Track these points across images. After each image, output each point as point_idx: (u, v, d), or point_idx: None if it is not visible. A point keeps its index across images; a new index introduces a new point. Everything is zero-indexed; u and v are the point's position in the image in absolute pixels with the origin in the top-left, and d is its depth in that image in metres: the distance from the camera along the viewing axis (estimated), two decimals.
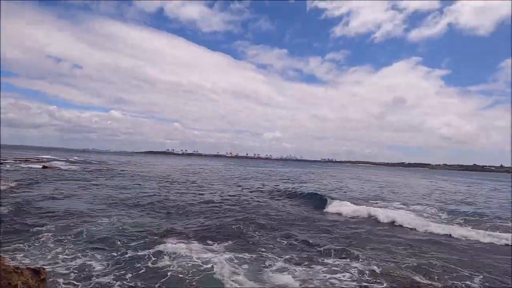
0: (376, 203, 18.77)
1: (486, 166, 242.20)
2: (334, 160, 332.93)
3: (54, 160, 51.44)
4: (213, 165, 74.68)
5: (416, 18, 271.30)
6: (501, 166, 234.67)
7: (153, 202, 15.63)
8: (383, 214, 14.63)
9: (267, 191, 23.33)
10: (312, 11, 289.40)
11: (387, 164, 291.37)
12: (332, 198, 18.60)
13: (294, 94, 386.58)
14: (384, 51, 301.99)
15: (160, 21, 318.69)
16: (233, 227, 11.00)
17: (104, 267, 6.91)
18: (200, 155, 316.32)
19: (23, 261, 6.83)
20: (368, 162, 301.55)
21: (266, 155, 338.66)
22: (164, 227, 10.53)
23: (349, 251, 8.88)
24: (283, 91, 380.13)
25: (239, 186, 26.44)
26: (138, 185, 22.85)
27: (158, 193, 19.14)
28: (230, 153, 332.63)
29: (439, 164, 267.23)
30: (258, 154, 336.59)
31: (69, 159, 60.63)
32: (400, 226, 13.23)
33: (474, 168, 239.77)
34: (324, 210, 16.53)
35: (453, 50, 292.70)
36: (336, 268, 7.54)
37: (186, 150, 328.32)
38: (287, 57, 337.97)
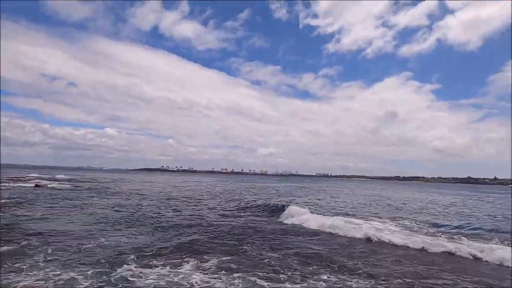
0: (358, 217, 19.09)
1: (480, 178, 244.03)
2: (329, 174, 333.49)
3: (47, 178, 51.22)
4: (207, 181, 74.65)
5: (406, 34, 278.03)
6: (495, 178, 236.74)
7: (145, 220, 15.87)
8: (358, 228, 14.22)
9: (249, 205, 23.31)
10: (305, 28, 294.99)
11: (382, 178, 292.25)
12: (311, 212, 18.73)
13: (288, 110, 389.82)
14: (375, 67, 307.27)
15: (155, 39, 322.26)
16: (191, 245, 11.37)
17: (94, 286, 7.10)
18: (195, 171, 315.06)
19: (15, 279, 7.06)
20: (363, 176, 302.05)
21: (261, 170, 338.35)
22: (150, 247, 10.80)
23: (309, 266, 9.24)
24: (277, 107, 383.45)
25: (226, 201, 26.64)
26: (132, 203, 23.00)
27: (150, 210, 19.37)
28: (225, 169, 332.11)
29: (434, 177, 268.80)
30: (253, 170, 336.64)
31: (63, 177, 60.39)
32: (374, 241, 12.82)
33: (468, 180, 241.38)
34: (288, 222, 16.42)
35: (443, 65, 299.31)
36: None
37: (181, 167, 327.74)
38: (280, 73, 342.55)
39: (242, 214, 19.66)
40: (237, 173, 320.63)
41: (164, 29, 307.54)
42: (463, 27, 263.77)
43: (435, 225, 16.72)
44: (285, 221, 16.84)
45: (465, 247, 11.39)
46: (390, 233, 13.67)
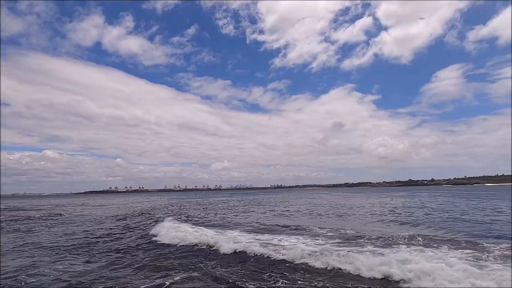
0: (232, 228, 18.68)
1: (419, 180, 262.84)
2: (282, 185, 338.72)
3: None
4: (155, 200, 70.99)
5: (346, 49, 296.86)
6: (432, 180, 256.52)
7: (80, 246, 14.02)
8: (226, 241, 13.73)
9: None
10: (252, 44, 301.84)
11: (333, 185, 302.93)
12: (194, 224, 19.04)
13: (240, 124, 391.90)
14: (321, 80, 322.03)
15: (98, 54, 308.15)
16: None
17: None
18: (146, 190, 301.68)
19: None
20: (315, 185, 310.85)
21: (216, 185, 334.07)
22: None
23: None
24: (229, 121, 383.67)
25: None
26: (70, 229, 20.57)
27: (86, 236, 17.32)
28: (178, 186, 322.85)
29: (380, 182, 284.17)
30: (207, 185, 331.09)
31: None
32: (240, 252, 11.95)
33: (410, 183, 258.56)
34: (154, 238, 16.30)
35: (381, 77, 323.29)
36: None
37: (130, 187, 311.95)
38: (230, 88, 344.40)
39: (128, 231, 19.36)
40: (191, 189, 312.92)
41: (107, 45, 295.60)
42: (395, 43, 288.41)
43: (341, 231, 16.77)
44: (153, 237, 16.59)
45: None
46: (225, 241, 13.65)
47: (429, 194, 61.17)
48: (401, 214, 24.19)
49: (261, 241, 13.48)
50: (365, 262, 9.23)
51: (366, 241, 12.95)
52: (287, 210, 30.90)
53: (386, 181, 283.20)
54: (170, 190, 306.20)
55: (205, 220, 23.58)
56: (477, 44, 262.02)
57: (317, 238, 14.03)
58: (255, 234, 15.88)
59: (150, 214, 30.12)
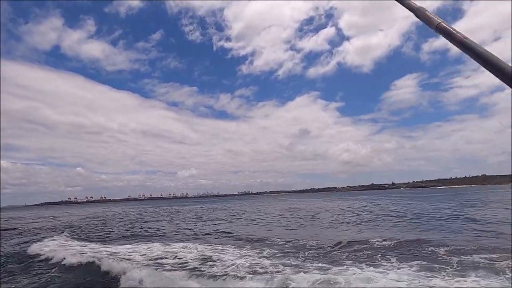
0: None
1: (381, 184, 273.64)
2: (250, 192, 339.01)
3: None
4: (116, 210, 67.65)
5: (311, 58, 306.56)
6: (393, 183, 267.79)
7: None
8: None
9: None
10: (218, 50, 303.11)
11: (300, 191, 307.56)
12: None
13: (208, 130, 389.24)
14: (287, 87, 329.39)
15: (57, 59, 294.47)
16: None
17: None
18: (108, 200, 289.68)
19: None
20: (282, 191, 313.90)
21: (182, 193, 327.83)
22: None
23: None
24: (196, 128, 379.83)
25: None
26: None
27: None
28: (142, 195, 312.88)
29: (344, 187, 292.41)
30: (173, 193, 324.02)
31: None
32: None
33: (372, 187, 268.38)
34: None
35: (344, 84, 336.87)
36: None
37: (91, 197, 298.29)
38: (197, 94, 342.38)
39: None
40: (156, 198, 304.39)
41: (67, 49, 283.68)
42: (357, 52, 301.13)
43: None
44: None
45: None
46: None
47: (385, 198, 63.44)
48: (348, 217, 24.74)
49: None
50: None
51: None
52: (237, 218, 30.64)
53: (350, 185, 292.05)
54: (134, 199, 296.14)
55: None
56: (431, 55, 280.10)
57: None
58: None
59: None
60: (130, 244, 15.78)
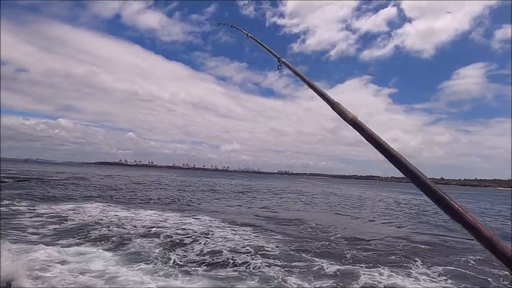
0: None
1: (429, 178, 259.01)
2: (290, 172, 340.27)
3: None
4: (168, 176, 70.95)
5: (367, 39, 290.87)
6: (442, 179, 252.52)
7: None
8: None
9: None
10: (271, 27, 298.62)
11: (342, 177, 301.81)
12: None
13: (253, 107, 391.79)
14: (338, 69, 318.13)
15: (117, 27, 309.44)
16: None
17: None
18: (155, 166, 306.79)
19: None
20: (322, 175, 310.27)
21: (224, 167, 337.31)
22: None
23: None
24: (243, 103, 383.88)
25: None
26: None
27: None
28: (186, 164, 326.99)
29: (388, 177, 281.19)
30: (215, 166, 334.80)
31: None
32: None
33: None
34: None
35: (399, 70, 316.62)
36: None
37: (140, 161, 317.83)
38: (246, 70, 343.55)
39: None
40: (198, 168, 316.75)
41: (126, 18, 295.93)
42: (419, 36, 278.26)
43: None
44: None
45: None
46: None
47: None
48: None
49: None
50: None
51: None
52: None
53: (395, 176, 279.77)
54: (178, 168, 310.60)
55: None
56: (503, 44, 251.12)
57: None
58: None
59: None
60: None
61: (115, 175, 58.37)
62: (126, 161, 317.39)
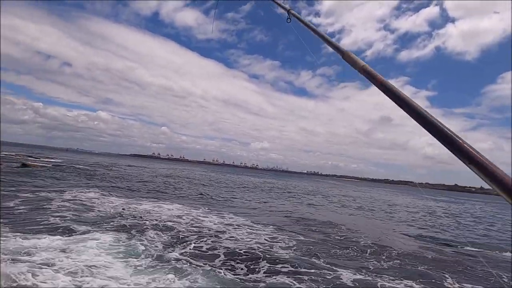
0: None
1: (466, 187, 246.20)
2: (319, 173, 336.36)
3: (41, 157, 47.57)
4: (199, 171, 73.18)
5: (406, 40, 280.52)
6: (481, 188, 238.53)
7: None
8: None
9: None
10: None
11: (373, 180, 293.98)
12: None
13: (285, 106, 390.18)
14: (374, 69, 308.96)
15: (155, 24, 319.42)
16: None
17: None
18: (186, 160, 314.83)
19: None
20: (353, 177, 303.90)
21: (253, 164, 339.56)
22: None
23: None
24: (274, 102, 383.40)
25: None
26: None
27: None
28: (216, 160, 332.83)
29: (422, 183, 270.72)
30: (244, 163, 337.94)
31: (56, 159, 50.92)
32: None
33: (455, 188, 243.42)
34: None
35: (439, 72, 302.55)
36: None
37: (172, 155, 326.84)
38: (279, 69, 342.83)
39: None
40: (228, 165, 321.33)
41: (164, 16, 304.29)
42: (462, 37, 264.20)
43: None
44: None
45: None
46: None
47: (476, 202, 57.13)
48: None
49: None
50: None
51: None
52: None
53: (430, 182, 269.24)
54: (208, 163, 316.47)
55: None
56: None
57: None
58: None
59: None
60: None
61: (149, 167, 60.96)
62: (159, 154, 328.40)
